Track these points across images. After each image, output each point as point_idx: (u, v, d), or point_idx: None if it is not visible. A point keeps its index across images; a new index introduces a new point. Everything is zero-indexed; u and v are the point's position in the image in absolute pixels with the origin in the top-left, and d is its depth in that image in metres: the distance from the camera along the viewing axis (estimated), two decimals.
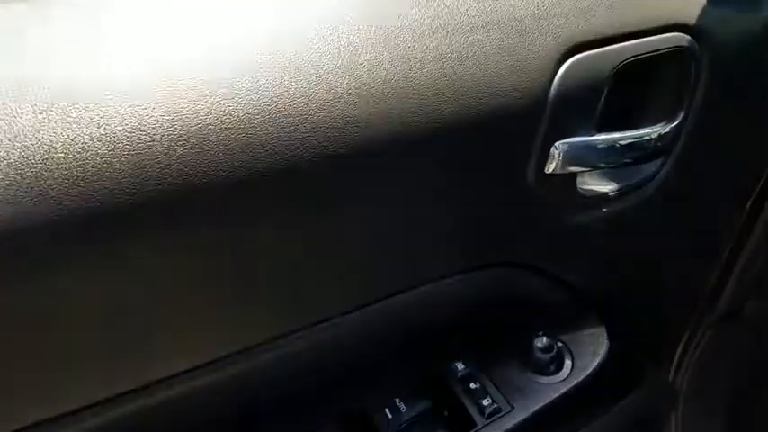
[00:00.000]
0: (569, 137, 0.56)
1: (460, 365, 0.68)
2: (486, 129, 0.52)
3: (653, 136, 0.63)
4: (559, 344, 0.73)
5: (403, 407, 0.64)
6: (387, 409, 0.64)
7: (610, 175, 0.66)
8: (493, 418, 0.65)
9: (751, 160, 0.74)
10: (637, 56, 0.57)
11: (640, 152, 0.62)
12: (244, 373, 0.53)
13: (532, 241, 0.64)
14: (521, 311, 0.72)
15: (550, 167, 0.57)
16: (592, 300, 0.75)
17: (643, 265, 0.77)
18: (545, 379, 0.69)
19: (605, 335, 0.74)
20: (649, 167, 0.67)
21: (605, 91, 0.57)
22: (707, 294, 0.89)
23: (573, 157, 0.57)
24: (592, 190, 0.64)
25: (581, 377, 0.70)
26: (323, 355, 0.59)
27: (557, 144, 0.55)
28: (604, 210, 0.66)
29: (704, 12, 0.61)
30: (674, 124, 0.63)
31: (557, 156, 0.56)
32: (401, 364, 0.67)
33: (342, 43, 0.45)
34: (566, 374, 0.70)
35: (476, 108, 0.50)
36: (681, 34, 0.60)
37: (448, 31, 0.49)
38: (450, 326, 0.69)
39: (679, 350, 1.00)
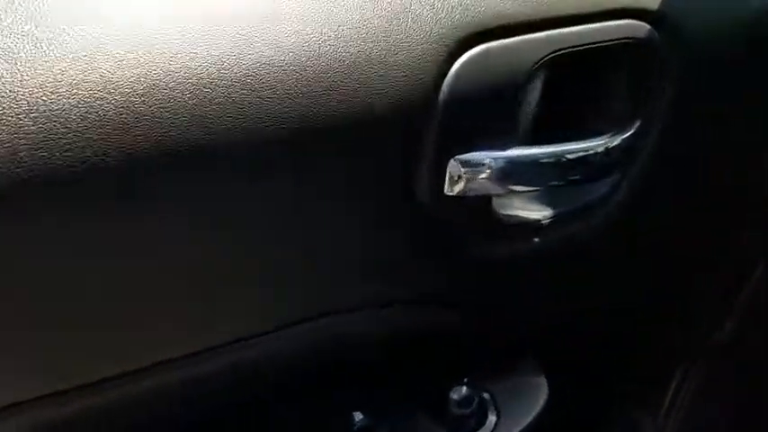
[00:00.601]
0: (474, 150, 0.44)
1: (359, 416, 0.57)
2: (355, 137, 0.40)
3: (598, 150, 0.50)
4: (485, 395, 0.60)
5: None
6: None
7: (544, 198, 0.53)
8: None
9: (735, 180, 0.60)
10: (570, 47, 0.44)
11: (579, 170, 0.49)
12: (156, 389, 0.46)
13: (441, 275, 0.52)
14: (438, 356, 0.60)
15: (452, 188, 0.45)
16: (528, 344, 0.63)
17: (596, 303, 0.63)
18: None
19: (545, 385, 0.62)
20: (599, 188, 0.54)
21: (526, 91, 0.45)
22: (684, 331, 0.75)
23: (480, 175, 0.44)
24: (517, 216, 0.51)
25: None
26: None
27: (455, 159, 0.43)
28: (536, 240, 0.53)
29: None
30: (627, 135, 0.50)
31: (456, 174, 0.44)
32: (294, 409, 0.56)
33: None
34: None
35: (342, 114, 0.38)
36: (635, 22, 0.47)
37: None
38: (351, 369, 0.58)
39: (669, 394, 0.87)
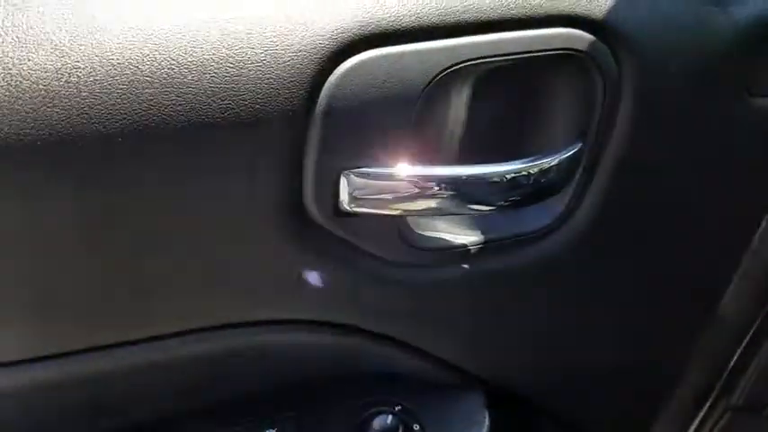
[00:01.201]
0: (367, 165, 0.40)
1: None
2: (232, 148, 0.37)
3: (531, 171, 0.44)
4: (415, 426, 0.56)
5: None
6: None
7: (479, 223, 0.48)
8: None
9: (700, 196, 0.53)
10: (481, 59, 0.39)
11: (499, 194, 0.44)
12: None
13: (344, 298, 0.48)
14: (362, 382, 0.56)
15: (346, 206, 0.41)
16: (473, 375, 0.57)
17: (544, 337, 0.58)
18: None
19: (486, 421, 0.57)
20: (546, 213, 0.49)
21: (437, 104, 0.40)
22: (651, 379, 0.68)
23: (373, 193, 0.40)
24: (441, 240, 0.47)
25: None
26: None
27: (345, 175, 0.39)
28: (466, 266, 0.48)
29: (624, 4, 0.41)
30: (569, 154, 0.44)
31: (347, 190, 0.40)
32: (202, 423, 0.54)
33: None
34: None
35: (215, 124, 0.35)
36: (576, 31, 0.41)
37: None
38: (268, 385, 0.55)
39: None
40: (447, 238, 0.47)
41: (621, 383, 0.66)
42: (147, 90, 0.34)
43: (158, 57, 0.34)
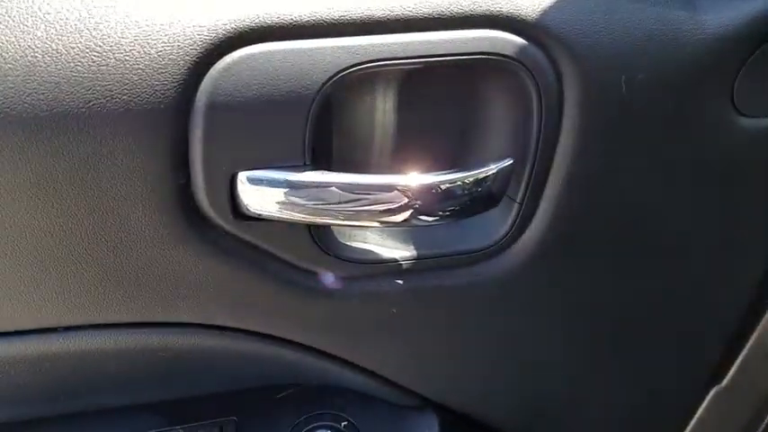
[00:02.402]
0: (263, 168, 0.38)
1: None
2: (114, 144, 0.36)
3: (465, 181, 0.41)
4: None
5: None
6: None
7: (408, 236, 0.46)
8: None
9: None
10: (391, 60, 0.37)
11: (428, 204, 0.41)
12: None
13: (276, 310, 0.46)
14: (309, 393, 0.54)
15: (244, 208, 0.40)
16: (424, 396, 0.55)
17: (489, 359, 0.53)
18: None
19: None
20: (487, 230, 0.46)
21: (342, 107, 0.39)
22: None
23: (270, 197, 0.39)
24: (370, 252, 0.45)
25: None
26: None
27: (240, 176, 0.38)
28: (400, 282, 0.46)
29: (568, 7, 0.38)
30: (501, 167, 0.41)
31: (247, 194, 0.39)
32: (138, 410, 0.54)
33: None
34: None
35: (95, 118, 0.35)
36: (500, 33, 0.38)
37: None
38: (210, 388, 0.55)
39: None
40: (377, 251, 0.45)
41: (583, 410, 0.60)
42: (8, 77, 0.34)
43: (21, 43, 0.34)
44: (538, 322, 0.51)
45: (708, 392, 0.64)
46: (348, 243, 0.45)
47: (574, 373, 0.56)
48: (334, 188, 0.39)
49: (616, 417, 0.62)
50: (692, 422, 0.66)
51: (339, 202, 0.39)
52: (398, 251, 0.45)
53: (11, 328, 0.44)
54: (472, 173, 0.41)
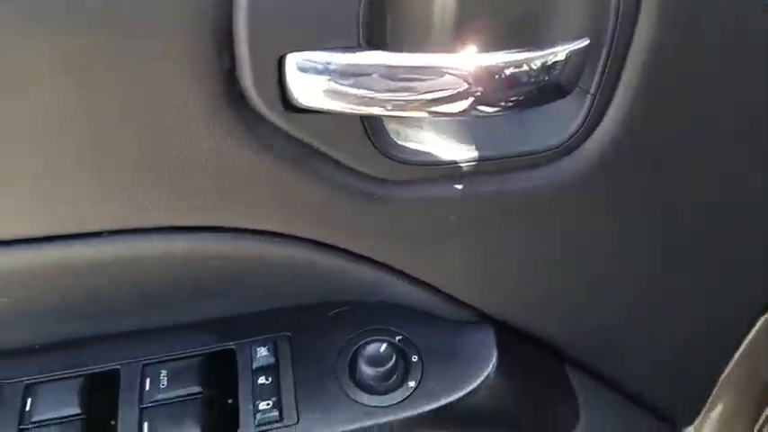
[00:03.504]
0: (313, 48, 0.36)
1: (263, 351, 0.53)
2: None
3: (533, 65, 0.39)
4: (414, 358, 0.53)
5: (164, 381, 0.51)
6: (147, 377, 0.52)
7: (469, 135, 0.44)
8: (264, 428, 0.49)
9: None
10: None
11: (496, 90, 0.39)
12: None
13: (327, 216, 0.45)
14: (361, 309, 0.53)
15: (293, 98, 0.38)
16: (479, 309, 0.53)
17: (560, 266, 0.52)
18: (366, 398, 0.51)
19: (494, 355, 0.52)
20: (552, 131, 0.43)
21: None
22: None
23: (322, 84, 0.37)
24: (427, 153, 0.43)
25: (423, 407, 0.50)
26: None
27: (290, 60, 0.36)
28: (458, 186, 0.44)
29: None
30: (574, 49, 0.39)
31: (297, 80, 0.37)
32: (187, 329, 0.54)
33: None
34: (399, 398, 0.51)
35: None
36: None
37: None
38: (262, 304, 0.54)
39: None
40: (433, 152, 0.43)
41: (640, 329, 0.58)
42: None
43: None
44: (604, 231, 0.48)
45: (763, 314, 0.62)
46: (403, 143, 0.43)
47: (636, 288, 0.54)
48: (387, 72, 0.37)
49: (673, 333, 0.60)
50: (744, 344, 0.64)
51: (392, 90, 0.37)
52: (456, 151, 0.43)
53: (51, 232, 0.43)
54: (541, 53, 0.38)
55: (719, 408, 0.75)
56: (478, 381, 0.51)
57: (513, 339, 0.54)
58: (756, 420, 0.94)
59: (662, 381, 0.63)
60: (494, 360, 0.52)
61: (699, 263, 0.53)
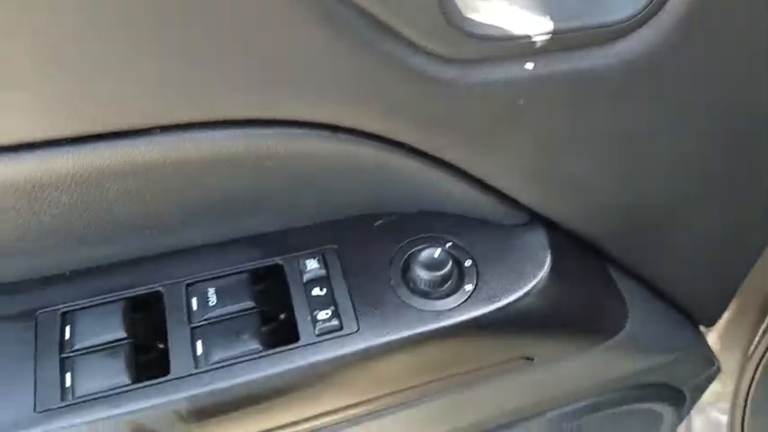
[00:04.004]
0: None
1: (313, 263, 0.51)
2: None
3: None
4: (468, 263, 0.52)
5: (213, 299, 0.49)
6: (193, 297, 0.49)
7: (536, 5, 0.42)
8: (325, 337, 0.48)
9: None
10: None
11: None
12: None
13: (389, 102, 0.42)
14: (409, 218, 0.52)
15: None
16: (531, 209, 0.52)
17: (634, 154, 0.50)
18: (423, 303, 0.50)
19: (548, 255, 0.52)
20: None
21: None
22: None
23: None
24: (496, 26, 0.40)
25: (479, 310, 0.50)
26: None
27: None
28: (529, 66, 0.42)
29: None
30: None
31: None
32: (227, 246, 0.52)
33: None
34: (457, 302, 0.50)
35: None
36: None
37: None
38: (308, 217, 0.52)
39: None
40: (505, 26, 0.41)
41: (680, 227, 0.59)
42: None
43: None
44: (665, 117, 0.47)
45: None
46: (475, 16, 0.40)
47: (688, 180, 0.53)
48: None
49: (709, 233, 0.61)
50: None
51: None
52: (528, 25, 0.41)
53: (95, 130, 0.39)
54: None
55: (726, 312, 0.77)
56: (534, 282, 0.51)
57: (562, 240, 0.54)
58: (759, 324, 0.98)
59: (692, 282, 0.64)
60: (548, 261, 0.51)
61: (750, 162, 0.53)
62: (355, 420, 0.50)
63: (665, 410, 0.72)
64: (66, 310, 0.48)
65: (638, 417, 0.72)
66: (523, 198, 0.50)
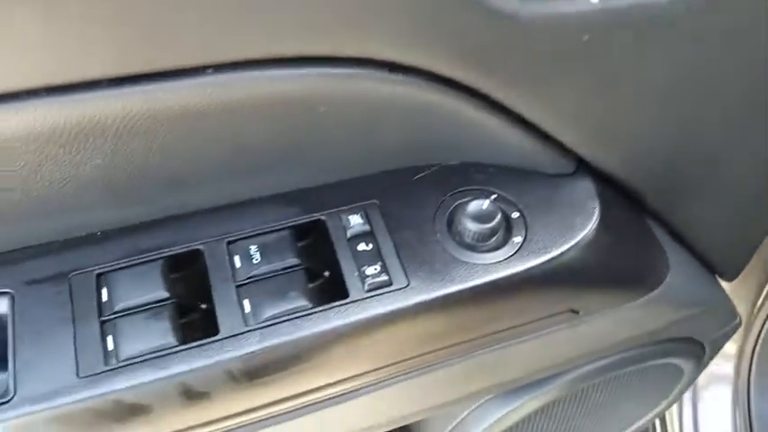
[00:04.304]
0: None
1: (356, 218, 0.49)
2: None
3: None
4: (515, 215, 0.51)
5: (257, 256, 0.47)
6: (235, 255, 0.47)
7: None
8: (375, 293, 0.46)
9: None
10: None
11: None
12: None
13: (444, 39, 0.40)
14: (452, 171, 0.50)
15: None
16: (581, 160, 0.51)
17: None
18: (472, 256, 0.49)
19: (597, 206, 0.51)
20: None
21: None
22: None
23: None
24: None
25: (529, 263, 0.49)
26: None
27: None
28: (598, 3, 0.40)
29: None
30: None
31: None
32: (265, 203, 0.49)
33: None
34: (506, 255, 0.49)
35: None
36: None
37: None
38: (349, 155, 0.50)
39: None
40: None
41: (740, 193, 0.58)
42: None
43: None
44: (736, 60, 0.46)
45: None
46: None
47: (737, 131, 0.53)
48: None
49: (746, 186, 0.60)
50: None
51: None
52: None
53: (145, 69, 0.37)
54: None
55: None
56: (584, 233, 0.50)
57: (607, 191, 0.53)
58: (767, 281, 0.99)
59: (721, 236, 0.64)
60: (597, 211, 0.50)
61: None
62: (405, 376, 0.49)
63: (687, 366, 0.72)
64: (100, 271, 0.45)
65: (660, 372, 0.73)
66: (575, 143, 0.48)
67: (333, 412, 0.48)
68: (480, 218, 0.48)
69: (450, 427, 0.69)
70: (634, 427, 0.83)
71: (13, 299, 0.44)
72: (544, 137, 0.48)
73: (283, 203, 0.50)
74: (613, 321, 0.56)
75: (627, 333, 0.59)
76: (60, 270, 0.45)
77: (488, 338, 0.50)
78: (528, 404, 0.64)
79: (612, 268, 0.53)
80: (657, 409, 0.81)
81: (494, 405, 0.65)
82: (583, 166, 0.51)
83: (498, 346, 0.51)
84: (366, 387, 0.48)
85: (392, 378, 0.49)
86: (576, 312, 0.53)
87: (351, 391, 0.48)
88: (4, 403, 0.40)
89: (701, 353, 0.72)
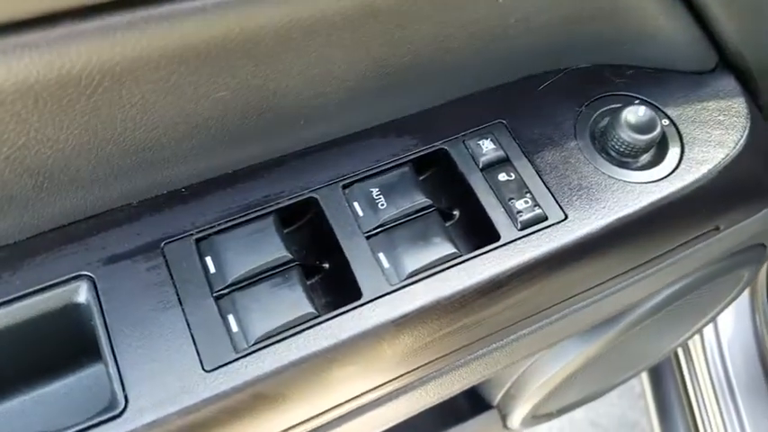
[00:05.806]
0: None
1: (487, 143, 0.41)
2: None
3: None
4: (665, 122, 0.43)
5: (382, 202, 0.39)
6: (354, 201, 0.39)
7: None
8: (530, 230, 0.39)
9: None
10: None
11: None
12: None
13: None
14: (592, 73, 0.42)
15: None
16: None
17: None
18: (629, 175, 0.41)
19: (745, 106, 0.44)
20: None
21: None
22: None
23: None
24: None
25: (691, 176, 0.42)
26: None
27: None
28: None
29: None
30: None
31: None
32: (372, 135, 0.41)
33: None
34: (666, 171, 0.42)
35: None
36: None
37: None
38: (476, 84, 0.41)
39: None
40: None
41: None
42: None
43: None
44: None
45: None
46: None
47: None
48: None
49: None
50: None
51: None
52: None
53: None
54: None
55: None
56: (738, 139, 0.43)
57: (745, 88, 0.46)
58: None
59: None
60: (746, 110, 0.44)
61: None
62: (574, 309, 0.43)
63: (749, 272, 0.69)
64: (200, 236, 0.37)
65: (724, 283, 0.69)
66: (729, 29, 0.41)
67: (499, 356, 0.43)
68: (639, 128, 0.41)
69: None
70: (686, 336, 0.82)
71: (93, 283, 0.35)
72: (696, 24, 0.40)
73: (391, 134, 0.41)
74: (742, 233, 0.51)
75: (740, 244, 0.54)
76: (149, 240, 0.36)
77: (644, 267, 0.44)
78: (620, 327, 0.60)
79: (757, 176, 0.47)
80: (710, 317, 0.79)
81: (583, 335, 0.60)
82: (721, 65, 0.44)
83: (647, 272, 0.45)
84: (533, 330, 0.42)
85: (561, 312, 0.43)
86: (718, 229, 0.47)
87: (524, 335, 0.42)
88: (115, 417, 0.32)
89: (763, 257, 0.69)
